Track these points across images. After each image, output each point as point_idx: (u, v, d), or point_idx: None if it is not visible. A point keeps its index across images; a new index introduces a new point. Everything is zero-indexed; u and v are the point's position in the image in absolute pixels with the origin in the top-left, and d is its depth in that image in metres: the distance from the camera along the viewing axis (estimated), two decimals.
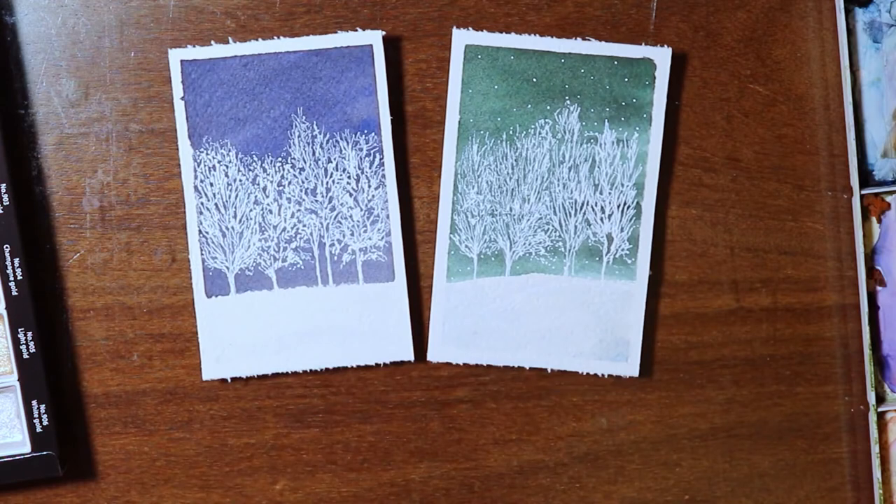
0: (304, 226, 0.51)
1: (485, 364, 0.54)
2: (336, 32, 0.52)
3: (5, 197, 0.49)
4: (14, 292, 0.49)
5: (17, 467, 0.50)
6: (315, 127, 0.51)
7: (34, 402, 0.50)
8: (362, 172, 0.51)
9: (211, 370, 0.52)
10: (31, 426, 0.50)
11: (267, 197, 0.51)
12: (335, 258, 0.52)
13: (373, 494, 0.55)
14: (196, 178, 0.51)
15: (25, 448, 0.50)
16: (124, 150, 0.52)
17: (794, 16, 0.54)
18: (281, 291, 0.52)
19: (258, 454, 0.54)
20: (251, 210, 0.51)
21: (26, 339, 0.49)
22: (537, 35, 0.52)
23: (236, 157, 0.51)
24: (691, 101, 0.54)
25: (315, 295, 0.52)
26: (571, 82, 0.52)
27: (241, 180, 0.51)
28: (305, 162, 0.51)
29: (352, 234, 0.51)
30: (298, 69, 0.50)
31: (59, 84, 0.51)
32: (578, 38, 0.52)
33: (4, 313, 0.49)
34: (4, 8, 0.51)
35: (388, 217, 0.51)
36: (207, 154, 0.51)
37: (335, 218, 0.51)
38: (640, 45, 0.53)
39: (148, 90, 0.52)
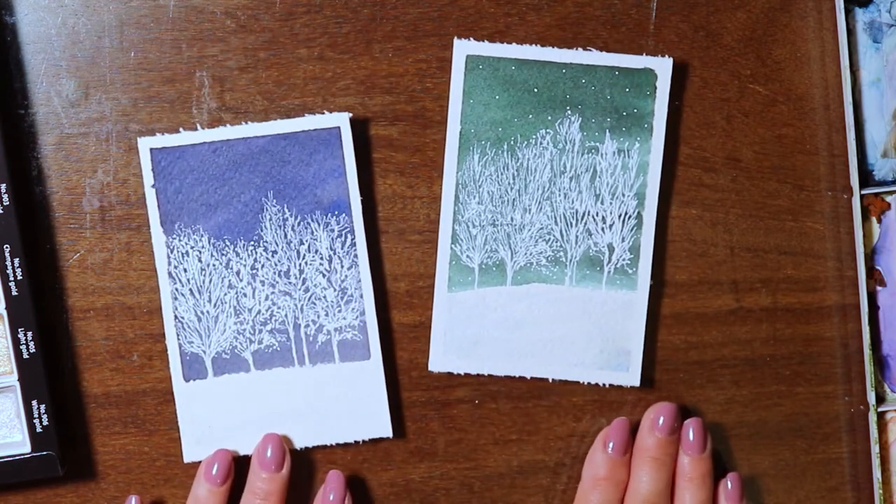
0: (279, 308, 0.52)
1: (486, 374, 0.54)
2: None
3: (5, 197, 0.49)
4: (14, 292, 0.49)
5: (17, 467, 0.50)
6: (286, 210, 0.51)
7: (34, 402, 0.50)
8: (334, 253, 0.51)
9: (192, 453, 0.52)
10: (31, 426, 0.50)
11: (241, 280, 0.52)
12: (310, 339, 0.52)
13: (373, 494, 0.55)
14: (170, 264, 0.51)
15: (25, 448, 0.50)
16: (124, 150, 0.52)
17: (794, 16, 0.54)
18: (258, 373, 0.52)
19: None
20: (226, 294, 0.52)
21: (26, 339, 0.49)
22: (538, 38, 0.53)
23: (209, 243, 0.51)
24: (691, 102, 0.54)
25: (292, 376, 0.52)
26: (572, 92, 0.52)
27: (214, 265, 0.51)
28: (278, 245, 0.51)
29: (326, 315, 0.52)
30: (267, 153, 0.51)
31: (59, 84, 0.51)
32: (579, 49, 0.52)
33: (4, 313, 0.49)
34: (4, 8, 0.51)
35: (361, 296, 0.52)
36: (180, 240, 0.51)
37: (309, 299, 0.52)
38: (641, 53, 0.53)
39: (148, 90, 0.52)
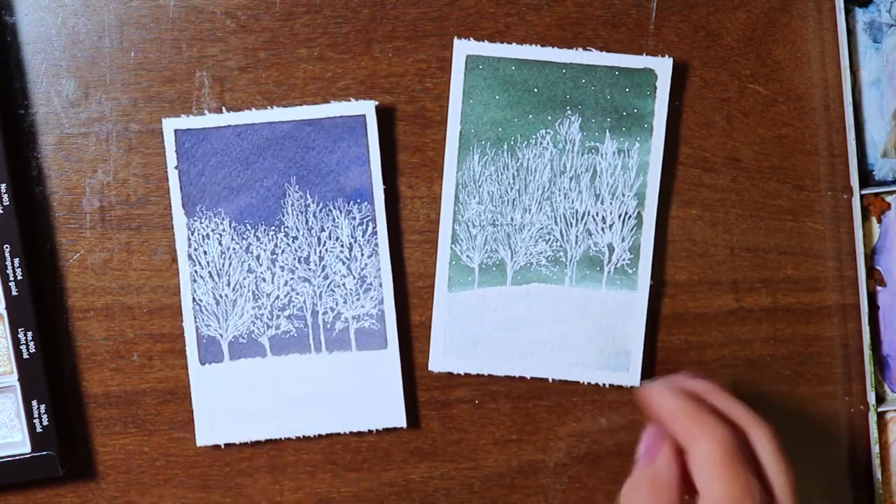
0: (298, 294, 0.52)
1: (486, 374, 0.54)
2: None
3: (5, 197, 0.49)
4: (14, 292, 0.49)
5: (17, 467, 0.50)
6: (308, 196, 0.51)
7: (34, 402, 0.50)
8: (355, 241, 0.52)
9: (205, 436, 0.52)
10: (31, 426, 0.50)
11: (260, 265, 0.52)
12: (328, 326, 0.52)
13: (373, 494, 0.55)
14: (190, 246, 0.51)
15: (25, 448, 0.50)
16: (124, 150, 0.52)
17: (794, 16, 0.54)
18: (274, 359, 0.52)
19: (258, 454, 0.54)
20: (245, 278, 0.52)
21: (26, 339, 0.49)
22: (538, 38, 0.53)
23: (230, 226, 0.51)
24: (691, 102, 0.54)
25: (308, 362, 0.52)
26: (572, 92, 0.52)
27: (234, 248, 0.51)
28: (299, 230, 0.52)
29: (345, 302, 0.52)
30: (291, 139, 0.51)
31: (59, 84, 0.51)
32: (579, 49, 0.52)
33: (4, 313, 0.49)
34: (4, 8, 0.51)
35: (380, 285, 0.52)
36: (201, 223, 0.51)
37: (328, 286, 0.52)
38: (641, 53, 0.53)
39: (148, 90, 0.52)
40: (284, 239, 0.52)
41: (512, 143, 0.52)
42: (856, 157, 0.54)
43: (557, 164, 0.52)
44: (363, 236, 0.52)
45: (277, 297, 0.52)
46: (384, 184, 0.52)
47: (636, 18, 0.53)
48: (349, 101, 0.52)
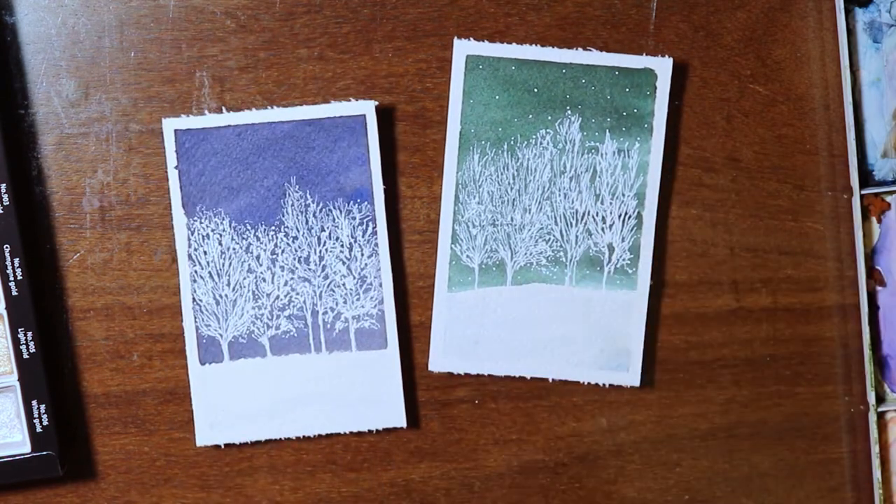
0: (298, 294, 0.52)
1: (486, 374, 0.54)
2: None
3: (5, 197, 0.49)
4: (14, 292, 0.49)
5: (17, 467, 0.50)
6: (308, 196, 0.51)
7: (34, 402, 0.50)
8: (355, 241, 0.52)
9: (204, 436, 0.52)
10: (31, 426, 0.50)
11: (260, 265, 0.52)
12: (328, 326, 0.52)
13: (373, 494, 0.55)
14: (190, 246, 0.51)
15: (25, 448, 0.50)
16: (124, 150, 0.52)
17: (794, 16, 0.54)
18: (274, 359, 0.52)
19: (258, 454, 0.54)
20: (245, 278, 0.52)
21: (26, 339, 0.49)
22: (538, 38, 0.53)
23: (230, 226, 0.51)
24: (691, 101, 0.54)
25: (308, 362, 0.52)
26: (573, 92, 0.52)
27: (234, 249, 0.52)
28: (299, 230, 0.52)
29: (345, 302, 0.52)
30: (292, 139, 0.51)
31: (59, 84, 0.51)
32: (579, 49, 0.52)
33: (4, 313, 0.49)
34: (4, 8, 0.51)
35: (380, 285, 0.52)
36: (201, 223, 0.51)
37: (328, 286, 0.52)
38: (641, 53, 0.53)
39: (148, 90, 0.52)
40: (284, 239, 0.52)
41: (512, 143, 0.52)
42: (856, 157, 0.54)
43: (557, 164, 0.52)
44: (363, 236, 0.52)
45: (277, 297, 0.52)
46: (384, 184, 0.52)
47: (636, 18, 0.53)
48: (349, 101, 0.52)
